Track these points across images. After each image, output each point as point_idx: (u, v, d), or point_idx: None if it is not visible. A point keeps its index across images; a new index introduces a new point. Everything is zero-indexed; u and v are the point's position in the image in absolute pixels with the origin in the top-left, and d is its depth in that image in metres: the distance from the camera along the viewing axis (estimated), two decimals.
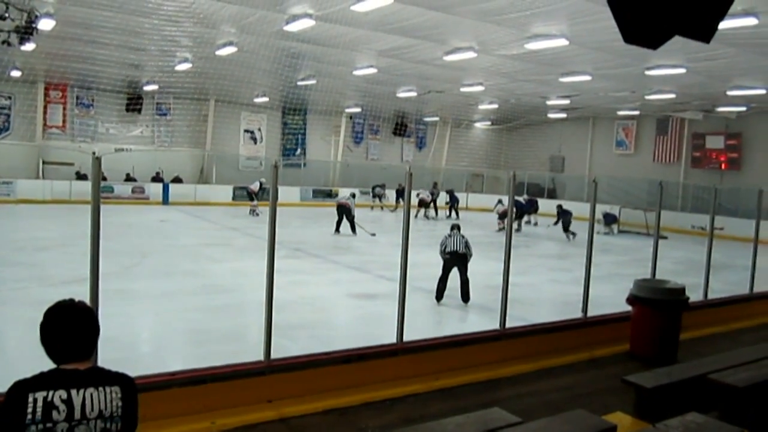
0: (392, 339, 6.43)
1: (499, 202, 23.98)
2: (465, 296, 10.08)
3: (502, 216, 22.36)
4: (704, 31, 2.03)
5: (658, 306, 7.59)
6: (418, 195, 25.95)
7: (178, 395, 5.15)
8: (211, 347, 7.37)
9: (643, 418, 5.32)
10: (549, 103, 27.81)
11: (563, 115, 31.92)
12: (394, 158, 35.23)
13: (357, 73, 21.73)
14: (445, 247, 10.18)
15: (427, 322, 7.68)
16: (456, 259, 10.03)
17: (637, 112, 29.32)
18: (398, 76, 22.52)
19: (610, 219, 23.15)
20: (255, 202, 23.99)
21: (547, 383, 6.65)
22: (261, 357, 5.65)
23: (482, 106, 30.42)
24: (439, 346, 6.79)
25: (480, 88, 24.09)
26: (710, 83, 20.41)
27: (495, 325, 7.30)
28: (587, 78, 20.43)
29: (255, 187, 24.18)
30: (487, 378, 6.59)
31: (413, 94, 26.22)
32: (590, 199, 8.67)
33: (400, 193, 27.68)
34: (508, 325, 7.27)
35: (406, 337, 6.48)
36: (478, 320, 8.99)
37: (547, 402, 5.97)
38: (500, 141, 37.51)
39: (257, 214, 23.30)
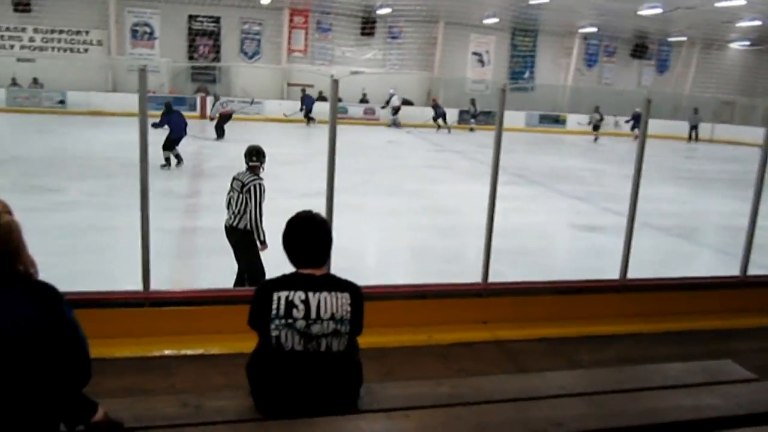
0: (614, 275, 6.14)
1: None
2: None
3: None
4: None
5: None
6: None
7: (400, 307, 5.45)
8: (432, 265, 7.67)
9: None
10: None
11: None
12: (629, 83, 32.61)
13: None
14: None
15: (654, 261, 7.19)
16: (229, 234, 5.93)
17: None
18: None
19: None
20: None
21: None
22: (479, 279, 5.75)
23: (741, 24, 26.68)
24: (666, 287, 6.34)
25: (741, 2, 21.06)
26: None
27: (734, 270, 6.61)
28: None
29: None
30: (719, 327, 6.03)
31: (658, 11, 23.75)
32: None
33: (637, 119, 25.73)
34: (750, 272, 6.54)
35: (629, 275, 6.14)
36: (713, 264, 8.23)
37: None
38: (759, 65, 32.75)
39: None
